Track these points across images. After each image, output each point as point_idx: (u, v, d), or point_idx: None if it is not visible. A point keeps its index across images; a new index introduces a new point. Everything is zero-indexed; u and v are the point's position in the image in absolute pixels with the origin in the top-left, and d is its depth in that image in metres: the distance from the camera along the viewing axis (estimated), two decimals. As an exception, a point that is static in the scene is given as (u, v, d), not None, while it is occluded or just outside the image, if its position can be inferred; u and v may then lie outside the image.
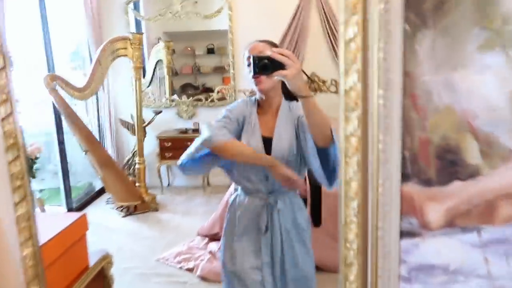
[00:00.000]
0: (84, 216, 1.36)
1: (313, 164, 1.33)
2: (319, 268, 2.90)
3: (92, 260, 1.42)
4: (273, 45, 1.41)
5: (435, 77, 0.63)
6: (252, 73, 1.18)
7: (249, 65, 1.31)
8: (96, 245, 3.24)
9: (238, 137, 1.40)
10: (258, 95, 1.44)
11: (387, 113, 0.63)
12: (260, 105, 1.45)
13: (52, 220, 1.30)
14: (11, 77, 0.72)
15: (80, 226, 1.37)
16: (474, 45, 0.62)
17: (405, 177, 0.68)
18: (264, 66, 1.14)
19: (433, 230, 0.70)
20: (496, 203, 0.69)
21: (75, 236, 1.34)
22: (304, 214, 1.49)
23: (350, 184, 0.65)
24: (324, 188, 3.15)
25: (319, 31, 4.49)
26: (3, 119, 0.72)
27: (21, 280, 0.81)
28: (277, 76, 1.14)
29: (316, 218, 3.11)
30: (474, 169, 0.68)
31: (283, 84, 1.38)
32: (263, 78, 1.32)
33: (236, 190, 1.52)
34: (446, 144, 0.66)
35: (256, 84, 1.35)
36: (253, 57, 1.15)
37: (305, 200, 1.54)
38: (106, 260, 1.48)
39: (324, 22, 4.42)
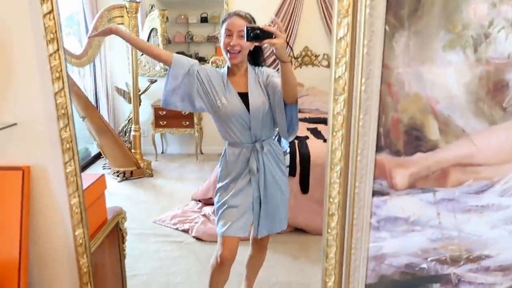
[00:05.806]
0: (103, 176, 1.55)
1: (278, 117, 1.61)
2: (305, 231, 3.14)
3: (109, 215, 1.62)
4: (249, 20, 1.62)
5: (407, 69, 0.79)
6: (245, 40, 1.39)
7: (228, 35, 1.56)
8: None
9: (189, 91, 1.66)
10: (228, 64, 1.67)
11: (367, 97, 0.79)
12: (230, 70, 1.69)
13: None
14: (64, 58, 0.85)
15: (100, 185, 1.55)
16: (439, 44, 0.78)
17: (379, 148, 0.85)
18: (256, 35, 1.36)
19: (399, 190, 0.89)
20: (448, 170, 0.87)
21: (97, 193, 1.51)
22: (282, 153, 1.76)
23: (335, 152, 0.82)
24: (312, 159, 3.33)
25: (314, 6, 4.55)
26: (56, 94, 0.86)
27: (67, 225, 0.97)
28: (267, 43, 1.34)
29: (304, 186, 3.32)
30: (433, 143, 0.85)
31: (250, 53, 1.64)
32: (237, 54, 1.57)
33: (226, 145, 1.75)
34: (413, 123, 0.84)
35: (230, 58, 1.61)
36: (247, 27, 1.36)
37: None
38: (120, 215, 1.69)
39: (319, -4, 4.48)
